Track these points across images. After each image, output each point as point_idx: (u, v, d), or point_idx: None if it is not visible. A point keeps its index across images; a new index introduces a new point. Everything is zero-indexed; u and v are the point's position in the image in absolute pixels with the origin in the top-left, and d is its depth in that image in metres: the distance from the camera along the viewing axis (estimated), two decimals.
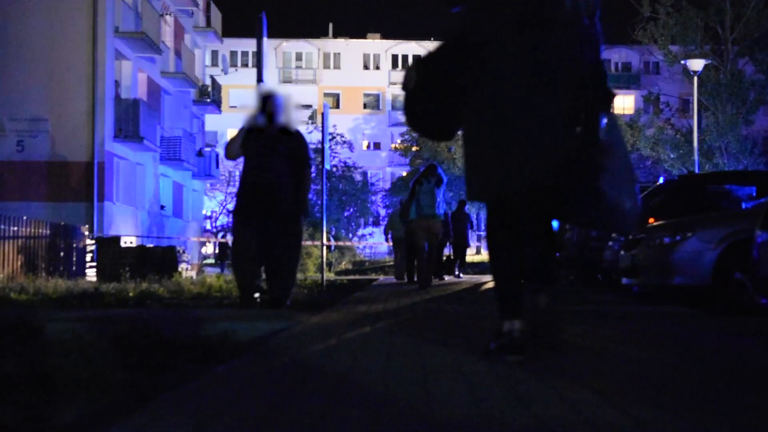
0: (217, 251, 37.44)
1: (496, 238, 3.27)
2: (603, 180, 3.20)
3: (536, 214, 3.32)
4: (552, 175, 3.11)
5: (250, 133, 6.91)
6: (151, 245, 18.91)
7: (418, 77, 3.33)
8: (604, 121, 3.23)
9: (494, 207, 3.31)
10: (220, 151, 29.23)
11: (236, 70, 50.51)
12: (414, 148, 44.12)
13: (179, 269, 15.46)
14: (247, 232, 6.78)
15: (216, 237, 39.06)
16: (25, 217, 14.26)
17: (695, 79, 22.49)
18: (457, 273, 17.64)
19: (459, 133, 3.49)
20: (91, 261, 16.06)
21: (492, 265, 3.34)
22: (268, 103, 6.93)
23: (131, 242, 18.11)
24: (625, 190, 3.29)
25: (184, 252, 17.34)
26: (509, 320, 3.16)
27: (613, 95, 3.30)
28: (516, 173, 3.10)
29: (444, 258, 17.26)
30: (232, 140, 7.02)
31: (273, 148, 6.82)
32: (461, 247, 17.47)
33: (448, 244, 16.81)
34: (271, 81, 50.48)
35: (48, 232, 14.77)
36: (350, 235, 40.62)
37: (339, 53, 55.27)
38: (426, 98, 3.36)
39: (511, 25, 3.15)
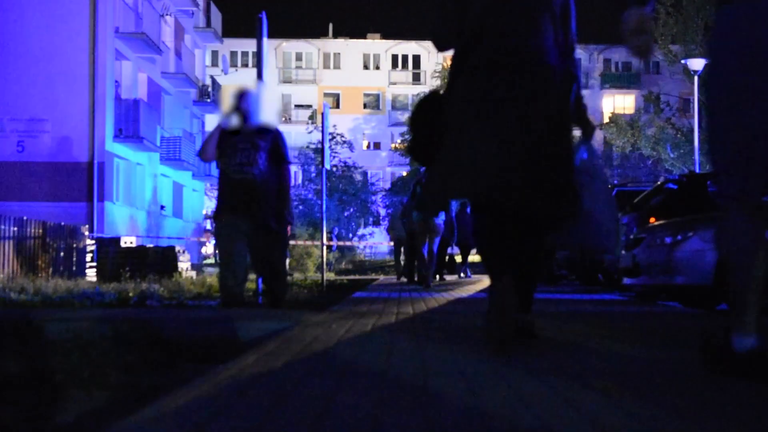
0: (217, 251, 37.35)
1: (480, 225, 3.69)
2: (586, 200, 3.55)
3: (520, 236, 3.62)
4: (512, 192, 3.41)
5: (226, 132, 6.73)
6: (151, 245, 18.91)
7: (414, 120, 3.85)
8: (585, 151, 3.64)
9: (478, 205, 3.69)
10: None
11: (236, 70, 50.51)
12: None
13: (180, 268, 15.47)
14: (233, 235, 6.58)
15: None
16: (25, 218, 14.26)
17: (695, 78, 22.48)
18: (467, 273, 17.72)
19: None
20: (91, 261, 16.06)
21: (478, 243, 3.72)
22: (242, 101, 6.75)
23: (131, 242, 18.11)
24: (606, 212, 3.66)
25: (184, 252, 17.34)
26: (498, 279, 3.37)
27: (594, 128, 3.72)
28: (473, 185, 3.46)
29: (447, 258, 17.29)
30: (207, 141, 6.81)
31: (253, 143, 6.64)
32: (466, 248, 17.53)
33: (453, 244, 16.85)
34: (271, 81, 50.51)
35: (48, 232, 14.77)
36: (350, 235, 40.61)
37: (339, 53, 55.26)
38: (419, 137, 3.85)
39: (492, 62, 3.49)
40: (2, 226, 13.26)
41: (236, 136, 6.68)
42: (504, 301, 3.24)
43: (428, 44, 53.98)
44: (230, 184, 6.65)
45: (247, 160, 6.60)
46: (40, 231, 14.51)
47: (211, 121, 37.21)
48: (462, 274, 17.59)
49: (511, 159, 3.36)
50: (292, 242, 20.07)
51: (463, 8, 3.60)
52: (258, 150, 6.62)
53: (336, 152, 40.39)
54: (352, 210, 42.32)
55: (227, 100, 6.87)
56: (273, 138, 6.75)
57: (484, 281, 14.44)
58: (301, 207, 37.40)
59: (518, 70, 3.44)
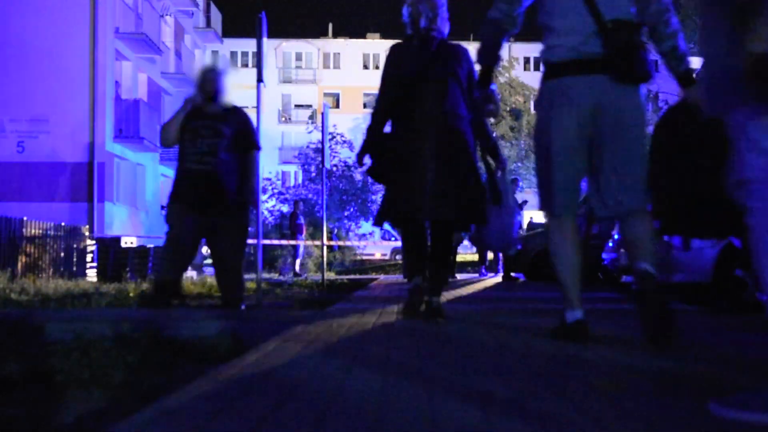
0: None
1: (406, 237, 5.18)
2: (494, 213, 5.21)
3: (435, 240, 5.02)
4: (442, 213, 4.83)
5: (189, 114, 6.18)
6: (152, 245, 18.90)
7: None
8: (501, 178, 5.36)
9: (405, 225, 5.12)
10: None
11: (236, 69, 50.45)
12: None
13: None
14: (183, 225, 6.09)
15: None
16: (25, 218, 14.26)
17: (694, 77, 22.49)
18: (491, 272, 17.72)
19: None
20: (92, 261, 16.05)
21: (403, 247, 5.16)
22: (208, 79, 6.19)
23: (132, 242, 18.10)
24: (507, 219, 5.43)
25: None
26: (416, 276, 5.10)
27: (504, 162, 5.32)
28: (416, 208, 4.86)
29: (451, 258, 17.27)
30: (169, 124, 6.23)
31: (216, 130, 6.11)
32: (483, 248, 17.52)
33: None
34: (271, 81, 50.50)
35: (48, 232, 14.77)
36: (349, 233, 40.55)
37: (339, 53, 55.23)
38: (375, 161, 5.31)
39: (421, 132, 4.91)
40: (2, 227, 13.27)
41: (199, 121, 6.14)
42: (416, 296, 5.06)
43: None
44: (188, 174, 6.14)
45: (208, 149, 6.07)
46: (40, 231, 14.51)
47: None
48: (476, 274, 17.60)
49: (437, 188, 4.72)
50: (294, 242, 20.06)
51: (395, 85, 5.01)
52: (221, 138, 6.09)
53: (336, 152, 40.37)
54: (352, 210, 42.29)
55: (195, 79, 6.28)
56: (240, 123, 6.23)
57: (487, 282, 14.44)
58: (301, 206, 37.36)
59: (436, 126, 4.79)
